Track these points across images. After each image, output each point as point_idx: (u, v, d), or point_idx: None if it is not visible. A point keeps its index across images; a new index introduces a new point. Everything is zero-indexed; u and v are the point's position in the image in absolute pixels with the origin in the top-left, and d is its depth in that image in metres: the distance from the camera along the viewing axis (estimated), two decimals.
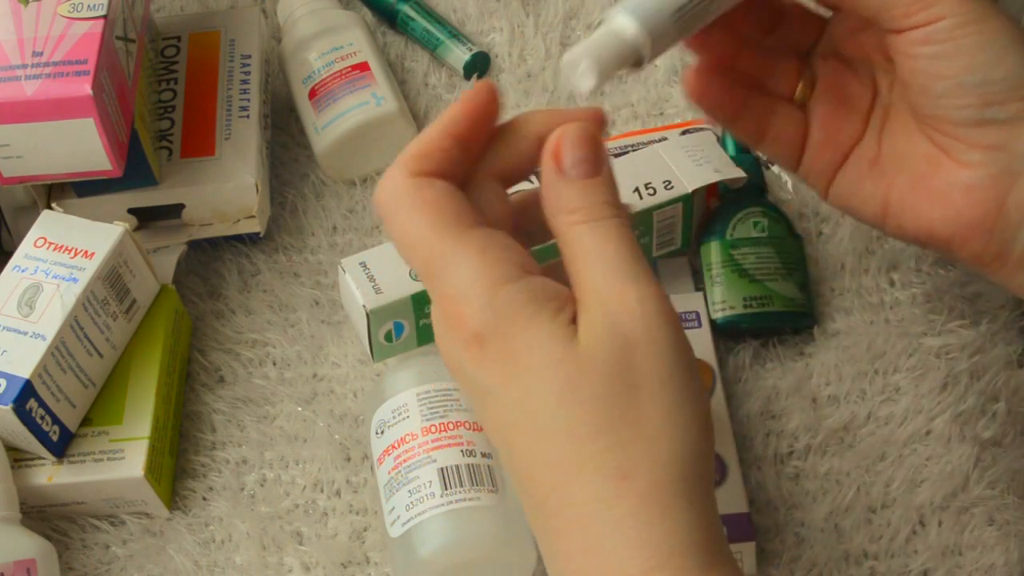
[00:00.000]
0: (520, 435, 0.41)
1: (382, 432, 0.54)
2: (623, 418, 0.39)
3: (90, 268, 0.58)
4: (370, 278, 0.58)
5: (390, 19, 0.77)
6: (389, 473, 0.53)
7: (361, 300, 0.57)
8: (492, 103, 0.44)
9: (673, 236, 0.63)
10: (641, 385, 0.40)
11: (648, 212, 0.61)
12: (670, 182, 0.61)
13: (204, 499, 0.60)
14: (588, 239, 0.42)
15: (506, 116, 0.76)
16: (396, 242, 0.43)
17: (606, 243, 0.41)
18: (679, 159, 0.62)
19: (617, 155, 0.68)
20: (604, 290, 0.41)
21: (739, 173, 0.63)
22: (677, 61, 0.75)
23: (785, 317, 0.63)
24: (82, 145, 0.57)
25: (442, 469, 0.52)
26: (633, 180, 0.61)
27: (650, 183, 0.61)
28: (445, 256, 0.41)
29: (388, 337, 0.58)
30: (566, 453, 0.40)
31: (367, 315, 0.57)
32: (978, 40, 0.46)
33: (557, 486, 0.40)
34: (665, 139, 0.66)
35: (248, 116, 0.67)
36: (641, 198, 0.61)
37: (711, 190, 0.64)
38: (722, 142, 0.67)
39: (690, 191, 0.61)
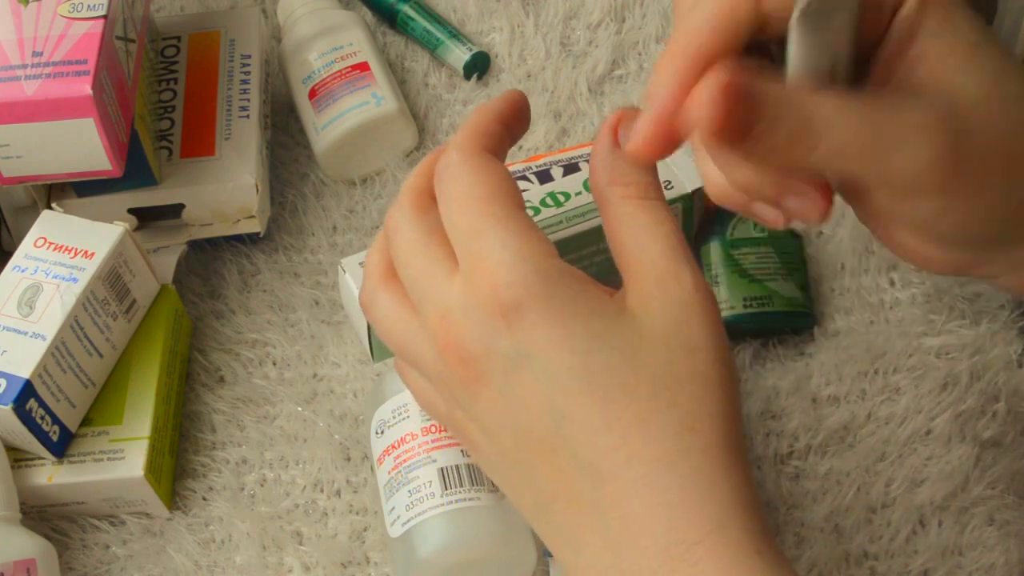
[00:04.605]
0: (573, 399, 0.41)
1: (382, 432, 0.54)
2: (684, 377, 0.41)
3: (90, 268, 0.58)
4: None
5: (390, 19, 0.77)
6: (389, 473, 0.53)
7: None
8: (526, 102, 0.47)
9: None
10: (699, 348, 0.42)
11: None
12: (670, 182, 0.61)
13: (204, 499, 0.60)
14: (644, 215, 0.44)
15: None
16: (452, 202, 0.44)
17: (661, 223, 0.44)
18: (680, 159, 0.62)
19: None
20: (660, 265, 0.43)
21: None
22: None
23: (785, 317, 0.63)
24: (82, 145, 0.57)
25: (442, 469, 0.52)
26: None
27: None
28: (499, 223, 0.42)
29: None
30: (630, 411, 0.40)
31: None
32: None
33: (620, 445, 0.40)
34: None
35: (248, 116, 0.67)
36: None
37: None
38: None
39: (690, 191, 0.61)
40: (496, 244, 0.42)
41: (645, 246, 0.43)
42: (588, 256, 0.58)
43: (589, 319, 0.41)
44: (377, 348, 0.58)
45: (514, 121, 0.47)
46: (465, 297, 0.42)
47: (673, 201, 0.61)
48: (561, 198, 0.59)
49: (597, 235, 0.57)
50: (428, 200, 0.46)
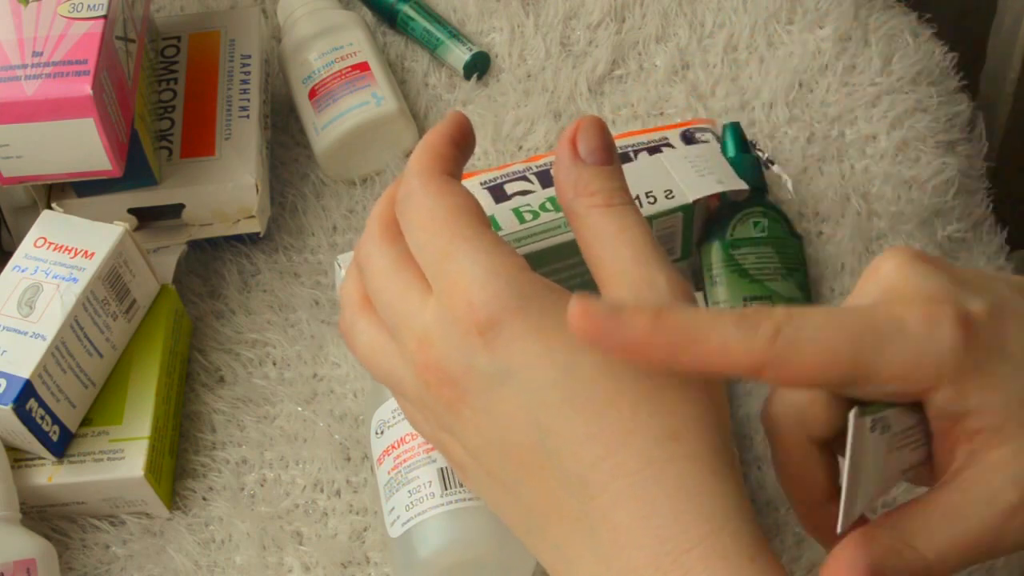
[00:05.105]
0: (556, 413, 0.40)
1: (382, 432, 0.54)
2: (664, 384, 0.41)
3: (90, 268, 0.58)
4: None
5: (390, 19, 0.77)
6: (389, 473, 0.53)
7: None
8: (469, 123, 0.47)
9: (673, 246, 0.63)
10: None
11: (648, 221, 0.61)
12: (671, 191, 0.61)
13: (204, 499, 0.60)
14: (611, 223, 0.43)
15: (507, 116, 0.76)
16: (417, 227, 0.44)
17: (628, 228, 0.43)
18: (682, 169, 0.62)
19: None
20: (632, 272, 0.42)
21: (741, 185, 0.63)
22: (677, 61, 0.75)
23: None
24: (82, 145, 0.57)
25: (442, 469, 0.52)
26: (634, 188, 0.60)
27: (651, 191, 0.61)
28: (467, 242, 0.42)
29: None
30: (612, 422, 0.40)
31: None
32: None
33: (605, 456, 0.40)
34: (665, 139, 0.66)
35: (248, 116, 0.67)
36: (641, 206, 0.60)
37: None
38: (722, 141, 0.67)
39: (691, 201, 0.61)
40: (467, 263, 0.42)
41: (616, 253, 0.43)
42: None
43: (566, 330, 0.40)
44: None
45: (463, 142, 0.47)
46: (440, 318, 0.42)
47: (674, 211, 0.61)
48: None
49: None
50: (396, 228, 0.46)
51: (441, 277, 0.43)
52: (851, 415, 0.39)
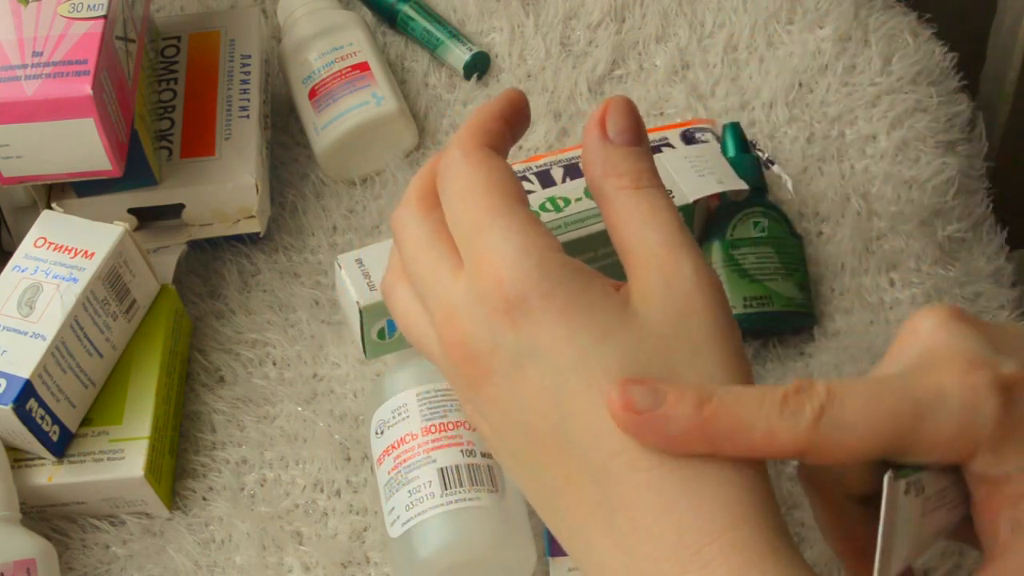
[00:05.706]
0: (577, 398, 0.40)
1: (382, 432, 0.54)
2: (688, 375, 0.41)
3: (90, 268, 0.58)
4: (365, 275, 0.57)
5: (390, 19, 0.77)
6: (389, 473, 0.53)
7: (355, 296, 0.57)
8: (526, 101, 0.47)
9: None
10: (702, 347, 0.41)
11: None
12: (671, 191, 0.61)
13: (204, 499, 0.60)
14: (639, 205, 0.43)
15: None
16: (454, 197, 0.44)
17: (658, 211, 0.43)
18: (682, 169, 0.62)
19: None
20: (661, 256, 0.42)
21: (741, 185, 0.63)
22: (677, 61, 0.75)
23: (785, 317, 0.63)
24: (82, 145, 0.57)
25: (442, 469, 0.52)
26: None
27: None
28: (502, 217, 0.42)
29: (381, 335, 0.58)
30: None
31: (360, 311, 0.57)
32: None
33: (624, 448, 0.40)
34: (665, 139, 0.66)
35: (248, 116, 0.67)
36: None
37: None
38: (722, 141, 0.67)
39: (691, 201, 0.61)
40: (499, 238, 0.42)
41: (644, 237, 0.43)
42: (587, 262, 0.58)
43: (593, 314, 0.41)
44: (370, 345, 0.58)
45: (515, 119, 0.46)
46: (469, 294, 0.42)
47: None
48: (561, 203, 0.59)
49: (596, 241, 0.57)
50: (433, 199, 0.45)
51: (472, 252, 0.42)
52: (885, 479, 0.39)
